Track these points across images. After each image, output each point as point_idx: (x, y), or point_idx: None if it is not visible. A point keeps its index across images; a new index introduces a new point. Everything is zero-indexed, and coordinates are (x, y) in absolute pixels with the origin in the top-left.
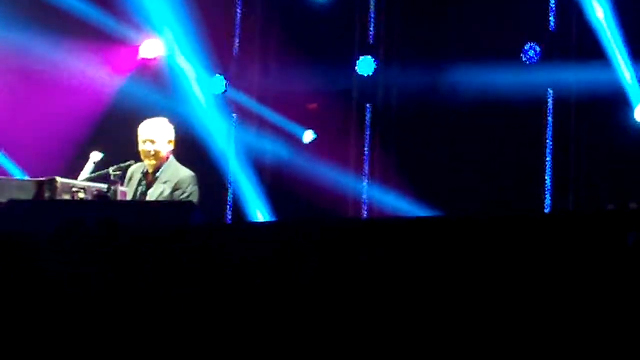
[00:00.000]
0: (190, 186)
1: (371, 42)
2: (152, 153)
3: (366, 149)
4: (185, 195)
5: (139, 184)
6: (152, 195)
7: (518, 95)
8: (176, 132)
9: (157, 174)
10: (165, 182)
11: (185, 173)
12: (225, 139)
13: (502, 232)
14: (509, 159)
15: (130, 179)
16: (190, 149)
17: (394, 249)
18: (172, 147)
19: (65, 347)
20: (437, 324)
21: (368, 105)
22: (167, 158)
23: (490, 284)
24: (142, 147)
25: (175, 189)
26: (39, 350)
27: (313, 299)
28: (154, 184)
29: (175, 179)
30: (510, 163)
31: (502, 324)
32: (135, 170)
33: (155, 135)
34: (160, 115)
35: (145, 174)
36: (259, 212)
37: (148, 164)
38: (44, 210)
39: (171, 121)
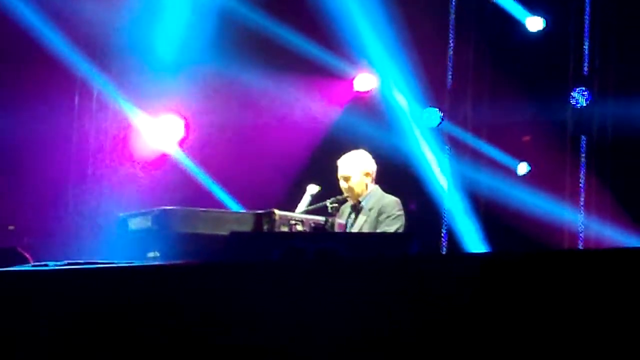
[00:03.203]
0: (395, 209)
1: (585, 72)
2: (348, 189)
3: (581, 180)
4: (391, 217)
5: (349, 216)
6: (359, 223)
7: None
8: (385, 163)
9: (362, 204)
10: (370, 209)
11: (389, 198)
12: (439, 171)
13: None
14: None
15: (343, 213)
16: (405, 180)
17: (611, 279)
18: (369, 179)
19: None
20: None
21: (583, 136)
22: (368, 189)
23: None
24: (340, 185)
25: (379, 213)
26: None
27: (528, 335)
28: (360, 213)
29: (379, 205)
30: None
31: None
32: (346, 205)
33: (347, 171)
34: (372, 148)
35: (353, 206)
36: (475, 244)
37: (349, 200)
38: (263, 241)
39: (383, 153)
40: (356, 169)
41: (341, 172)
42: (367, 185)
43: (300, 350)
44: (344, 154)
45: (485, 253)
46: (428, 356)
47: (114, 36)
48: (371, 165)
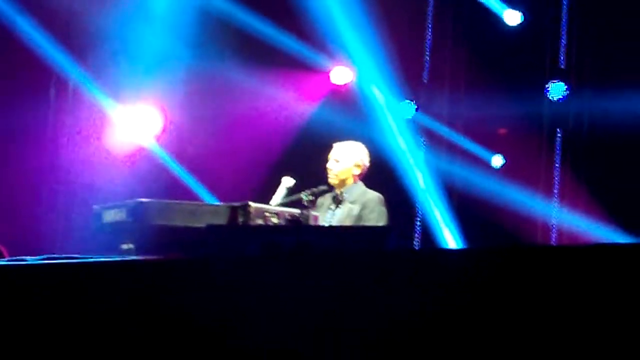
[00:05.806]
0: (379, 206)
1: (562, 66)
2: (334, 172)
3: (556, 173)
4: (374, 214)
5: (329, 207)
6: (341, 214)
7: None
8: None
9: (345, 195)
10: (352, 202)
11: (372, 194)
12: (414, 163)
13: None
14: None
15: (322, 204)
16: (380, 172)
17: (582, 276)
18: (358, 171)
19: None
20: None
21: (558, 130)
22: (354, 181)
23: None
24: (327, 165)
25: (363, 208)
26: None
27: (502, 330)
28: (341, 204)
29: (363, 199)
30: None
31: None
32: (326, 197)
33: (341, 154)
34: (349, 139)
35: (334, 197)
36: (449, 237)
37: (330, 181)
38: (240, 234)
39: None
40: (350, 156)
41: (334, 153)
42: (353, 177)
43: (277, 344)
44: (319, 147)
45: (459, 249)
46: (401, 351)
47: (91, 28)
48: (365, 160)
